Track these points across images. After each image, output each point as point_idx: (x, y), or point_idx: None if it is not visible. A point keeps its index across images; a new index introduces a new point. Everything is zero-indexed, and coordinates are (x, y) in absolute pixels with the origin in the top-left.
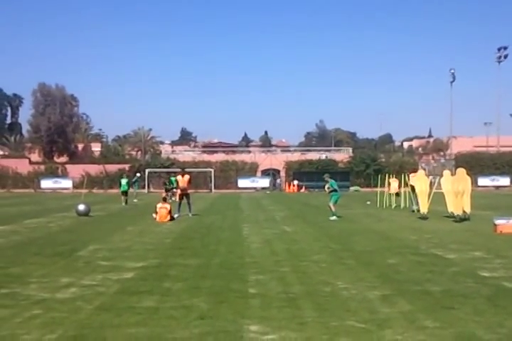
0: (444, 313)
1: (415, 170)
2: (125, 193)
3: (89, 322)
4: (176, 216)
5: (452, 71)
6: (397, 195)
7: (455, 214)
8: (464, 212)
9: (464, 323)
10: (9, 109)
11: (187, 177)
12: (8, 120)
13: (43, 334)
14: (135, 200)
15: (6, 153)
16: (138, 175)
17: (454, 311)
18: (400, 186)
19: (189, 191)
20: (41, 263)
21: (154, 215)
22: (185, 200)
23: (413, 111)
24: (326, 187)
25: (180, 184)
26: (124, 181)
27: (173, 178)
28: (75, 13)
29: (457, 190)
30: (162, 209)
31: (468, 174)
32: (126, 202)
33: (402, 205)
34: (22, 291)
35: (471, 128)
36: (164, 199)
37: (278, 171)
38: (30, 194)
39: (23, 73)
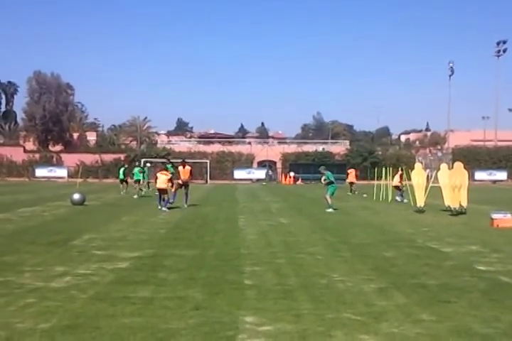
0: (440, 307)
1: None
2: (138, 181)
3: (84, 312)
4: (170, 201)
5: (451, 64)
6: (398, 188)
7: (452, 208)
8: (460, 205)
9: (460, 317)
10: (4, 96)
11: (188, 168)
12: (3, 108)
13: (36, 323)
14: (144, 190)
15: (1, 141)
16: (148, 165)
17: (450, 305)
18: (401, 180)
19: (189, 182)
20: (35, 252)
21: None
22: (183, 190)
23: (411, 105)
24: (323, 179)
25: (182, 175)
26: (136, 170)
27: (168, 165)
28: (71, 0)
29: (454, 184)
30: (162, 175)
31: (465, 168)
32: (143, 189)
33: (406, 200)
34: (16, 280)
35: (468, 122)
36: (165, 169)
37: (274, 163)
38: (24, 182)
39: (18, 61)
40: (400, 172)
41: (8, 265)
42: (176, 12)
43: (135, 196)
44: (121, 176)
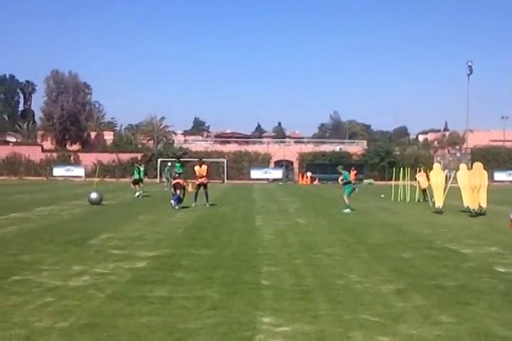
0: (459, 309)
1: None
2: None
3: (102, 311)
4: (193, 205)
5: (469, 63)
6: (424, 190)
7: (471, 209)
8: (479, 206)
9: (479, 319)
10: (22, 95)
11: (205, 167)
12: (21, 107)
13: (55, 321)
14: (165, 189)
15: (19, 140)
16: (169, 164)
17: (469, 307)
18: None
19: (207, 181)
20: (53, 251)
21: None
22: (202, 190)
23: (429, 104)
24: (340, 179)
25: (198, 174)
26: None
27: (178, 164)
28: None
29: (473, 185)
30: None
31: (484, 168)
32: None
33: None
34: (34, 278)
35: (487, 121)
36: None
37: (291, 163)
38: (42, 181)
39: (35, 60)
40: (423, 173)
41: (27, 264)
42: (195, 11)
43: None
44: (138, 176)
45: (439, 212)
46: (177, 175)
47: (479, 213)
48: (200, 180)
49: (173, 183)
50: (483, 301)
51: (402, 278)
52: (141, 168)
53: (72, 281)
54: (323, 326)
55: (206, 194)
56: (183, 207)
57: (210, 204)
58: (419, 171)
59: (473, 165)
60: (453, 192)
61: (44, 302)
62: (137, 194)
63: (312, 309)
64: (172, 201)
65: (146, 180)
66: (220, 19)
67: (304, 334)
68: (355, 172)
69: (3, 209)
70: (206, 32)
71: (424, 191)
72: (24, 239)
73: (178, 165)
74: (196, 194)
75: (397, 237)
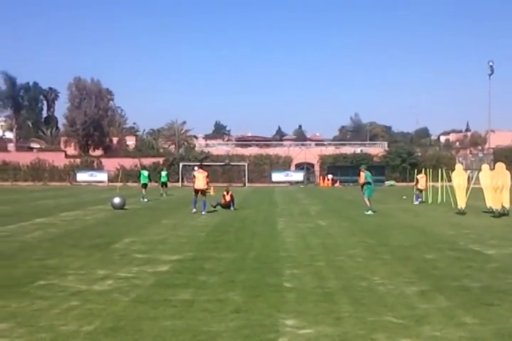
0: (483, 310)
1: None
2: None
3: (126, 314)
4: (193, 211)
5: (491, 63)
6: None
7: (494, 210)
8: (503, 207)
9: (503, 320)
10: (45, 102)
11: (204, 173)
12: (44, 113)
13: (80, 325)
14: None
15: (43, 147)
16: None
17: (493, 308)
18: (426, 182)
19: (206, 187)
20: (78, 256)
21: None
22: (201, 197)
23: (450, 105)
24: (359, 180)
25: (197, 181)
26: (163, 173)
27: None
28: (109, 5)
29: (496, 185)
30: (200, 174)
31: (507, 169)
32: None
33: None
34: (59, 283)
35: (510, 121)
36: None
37: (312, 165)
38: (66, 187)
39: (58, 67)
40: (424, 175)
41: (52, 268)
42: (213, 16)
43: (145, 200)
44: (164, 179)
45: (461, 213)
46: None
47: (502, 213)
48: (199, 186)
49: (195, 189)
50: (507, 302)
51: (425, 279)
52: (163, 173)
53: (96, 285)
54: (346, 328)
55: (204, 202)
56: (208, 212)
57: (208, 212)
58: (420, 172)
59: (496, 166)
60: (475, 193)
61: (69, 307)
62: (145, 200)
63: (335, 311)
64: (195, 206)
65: (169, 184)
66: (241, 23)
67: (326, 336)
68: (423, 177)
69: (29, 215)
70: (227, 37)
71: (420, 191)
72: (49, 244)
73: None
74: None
75: (419, 239)
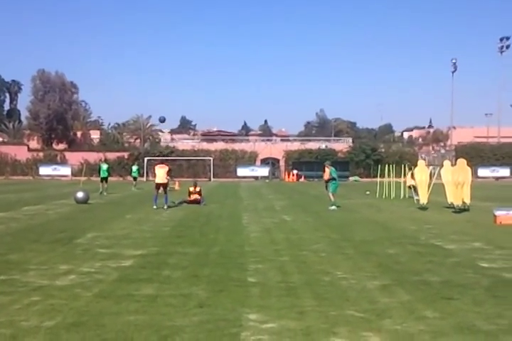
0: (443, 303)
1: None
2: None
3: (88, 310)
4: (154, 207)
5: (454, 61)
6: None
7: (455, 205)
8: (463, 202)
9: (463, 314)
10: (8, 95)
11: (165, 168)
12: (7, 106)
13: (41, 321)
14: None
15: (5, 140)
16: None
17: (453, 301)
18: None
19: (166, 182)
20: (40, 250)
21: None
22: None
23: (414, 101)
24: (324, 176)
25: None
26: (134, 168)
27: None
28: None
29: (457, 181)
30: (161, 168)
31: (468, 165)
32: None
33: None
34: (21, 278)
35: (471, 118)
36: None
37: (277, 160)
38: (28, 181)
39: (22, 59)
40: (411, 171)
41: (13, 263)
42: (178, 12)
43: (104, 193)
44: (135, 174)
45: (423, 208)
46: None
47: (463, 209)
48: (159, 181)
49: (156, 183)
50: (466, 296)
51: (387, 274)
52: (134, 168)
53: (58, 280)
54: (309, 322)
55: (166, 196)
56: (169, 206)
57: (168, 207)
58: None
59: (457, 162)
60: (437, 189)
61: (30, 302)
62: (103, 192)
63: (298, 305)
64: (155, 202)
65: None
66: (205, 19)
67: (289, 330)
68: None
69: None
70: (193, 30)
71: (409, 188)
72: (11, 239)
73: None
74: (156, 196)
75: (382, 234)
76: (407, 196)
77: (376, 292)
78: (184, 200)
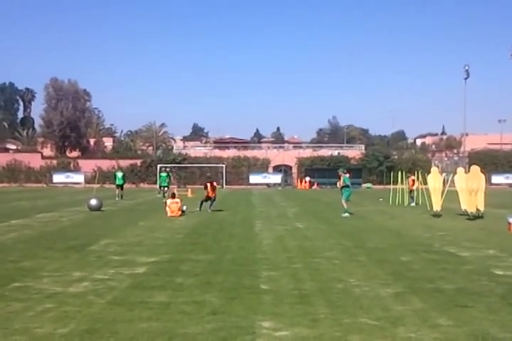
0: (457, 311)
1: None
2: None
3: (102, 317)
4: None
5: (466, 68)
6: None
7: (469, 212)
8: (477, 209)
9: (478, 321)
10: (21, 103)
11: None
12: (21, 114)
13: (55, 328)
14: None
15: (19, 148)
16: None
17: (467, 309)
18: (413, 184)
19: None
20: (53, 257)
21: (167, 209)
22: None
23: (427, 108)
24: (338, 184)
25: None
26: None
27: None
28: (88, 8)
29: (471, 188)
30: (173, 204)
31: (482, 172)
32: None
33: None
34: (35, 285)
35: (485, 125)
36: (173, 195)
37: (290, 167)
38: (42, 188)
39: (35, 68)
40: (411, 177)
41: (27, 270)
42: (193, 18)
43: (116, 198)
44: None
45: (437, 215)
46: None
47: (477, 216)
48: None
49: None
50: (481, 304)
51: (400, 281)
52: (163, 174)
53: (72, 287)
54: (322, 330)
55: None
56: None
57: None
58: (413, 175)
59: (471, 169)
60: (451, 196)
61: (44, 309)
62: (117, 199)
63: (311, 313)
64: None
65: (145, 185)
66: (218, 25)
67: (303, 338)
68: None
69: (4, 216)
70: (205, 38)
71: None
72: (24, 246)
73: (163, 175)
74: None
75: (395, 241)
76: (420, 203)
77: (390, 299)
78: (202, 200)
